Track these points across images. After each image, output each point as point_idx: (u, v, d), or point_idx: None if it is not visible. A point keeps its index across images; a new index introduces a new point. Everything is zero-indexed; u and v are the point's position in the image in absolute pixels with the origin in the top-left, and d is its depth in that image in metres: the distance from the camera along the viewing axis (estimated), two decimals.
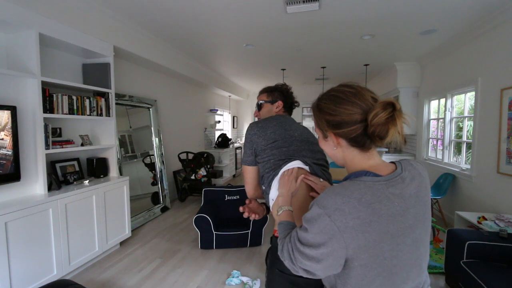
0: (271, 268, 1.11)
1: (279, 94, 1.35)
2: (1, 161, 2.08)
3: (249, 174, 1.26)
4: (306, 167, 1.10)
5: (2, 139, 2.07)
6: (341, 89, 0.74)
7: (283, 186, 1.00)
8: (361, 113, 0.69)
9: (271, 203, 1.12)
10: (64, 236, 2.35)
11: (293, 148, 1.14)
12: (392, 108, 0.66)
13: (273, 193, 1.10)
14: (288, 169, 1.06)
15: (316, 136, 1.00)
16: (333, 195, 0.67)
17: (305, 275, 0.72)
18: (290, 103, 1.36)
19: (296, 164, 1.08)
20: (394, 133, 0.66)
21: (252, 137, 1.19)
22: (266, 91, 1.38)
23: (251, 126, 1.21)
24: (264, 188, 1.18)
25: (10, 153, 2.10)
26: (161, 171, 4.53)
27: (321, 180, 1.09)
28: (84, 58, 3.03)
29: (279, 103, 1.33)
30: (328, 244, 0.65)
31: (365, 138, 0.71)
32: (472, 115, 3.49)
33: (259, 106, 1.38)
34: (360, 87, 0.73)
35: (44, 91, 2.32)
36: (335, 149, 0.77)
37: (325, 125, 0.75)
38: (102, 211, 2.77)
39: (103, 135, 3.14)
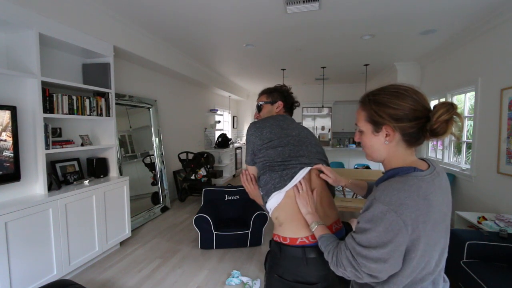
0: (270, 273, 1.10)
1: (279, 95, 1.33)
2: (5, 164, 2.09)
3: (251, 173, 1.26)
4: (307, 169, 1.09)
5: (5, 140, 2.07)
6: (400, 86, 0.78)
7: (304, 206, 1.01)
8: (421, 110, 0.74)
9: (270, 211, 1.12)
10: (64, 236, 2.35)
11: (289, 148, 1.11)
12: (454, 110, 0.71)
13: (271, 204, 1.09)
14: (299, 185, 1.06)
15: (316, 135, 1.00)
16: (395, 191, 0.70)
17: (368, 280, 0.74)
18: (290, 103, 1.34)
19: (299, 176, 1.07)
20: (451, 131, 0.72)
21: (249, 138, 1.19)
22: (266, 92, 1.36)
23: (250, 126, 1.21)
24: (261, 193, 1.16)
25: (11, 154, 2.10)
26: (161, 171, 4.53)
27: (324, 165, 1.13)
28: (84, 58, 3.03)
29: (279, 104, 1.32)
30: (395, 240, 0.68)
31: (420, 134, 0.76)
32: (472, 115, 3.49)
33: (259, 108, 1.36)
34: (416, 87, 0.78)
35: (44, 91, 2.32)
36: (386, 143, 0.79)
37: (385, 118, 0.76)
38: (102, 211, 2.77)
39: (103, 135, 3.14)
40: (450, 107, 0.71)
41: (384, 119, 0.77)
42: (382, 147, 0.81)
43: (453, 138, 0.72)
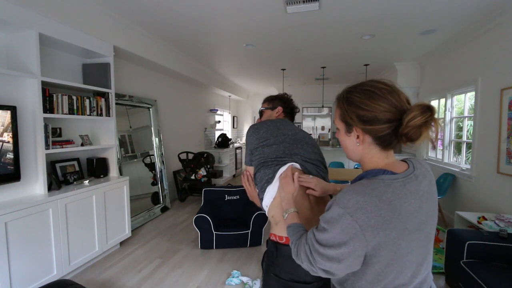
0: (266, 272, 1.11)
1: (279, 101, 1.40)
2: (9, 167, 2.09)
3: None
4: (297, 165, 1.10)
5: (9, 142, 2.08)
6: (376, 84, 0.72)
7: (283, 189, 0.99)
8: (395, 112, 0.68)
9: (266, 209, 1.13)
10: (64, 236, 2.35)
11: (284, 146, 1.14)
12: (430, 113, 0.65)
13: (267, 200, 1.10)
14: (283, 172, 1.06)
15: (314, 136, 1.00)
16: (354, 194, 0.66)
17: (324, 275, 0.73)
18: (290, 108, 1.40)
19: (287, 165, 1.09)
20: (426, 137, 0.66)
21: (248, 139, 1.24)
22: (267, 100, 1.44)
23: (249, 128, 1.27)
24: (257, 191, 1.17)
25: (11, 154, 2.10)
26: (161, 171, 4.53)
27: (311, 176, 1.08)
28: (84, 58, 3.03)
29: (279, 109, 1.38)
30: (349, 243, 0.65)
31: (393, 138, 0.70)
32: (472, 115, 3.49)
33: (261, 113, 1.44)
34: (395, 86, 0.72)
35: (44, 91, 2.32)
36: (357, 145, 0.75)
37: (354, 119, 0.72)
38: (102, 211, 2.77)
39: (103, 135, 3.14)
40: (425, 110, 0.65)
41: (353, 120, 0.72)
42: (356, 148, 0.76)
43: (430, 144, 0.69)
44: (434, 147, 0.76)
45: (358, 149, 0.76)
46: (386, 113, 0.68)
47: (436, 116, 0.66)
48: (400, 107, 0.68)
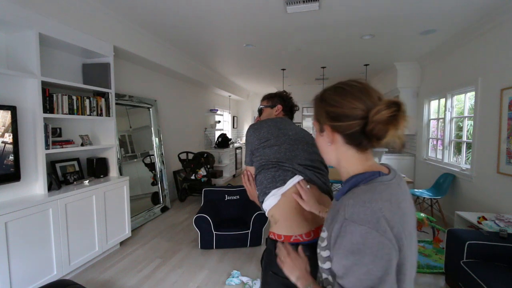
0: (265, 269, 1.12)
1: (278, 99, 1.39)
2: (11, 170, 2.09)
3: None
4: (298, 178, 1.09)
5: (10, 142, 2.08)
6: (348, 82, 0.69)
7: (292, 272, 0.83)
8: (363, 109, 0.64)
9: (266, 211, 1.14)
10: (64, 236, 2.35)
11: (285, 147, 1.14)
12: (396, 108, 0.60)
13: (266, 206, 1.12)
14: (285, 250, 0.90)
15: (314, 135, 1.00)
16: (367, 204, 0.58)
17: None
18: (289, 106, 1.40)
19: (291, 183, 1.07)
20: (393, 135, 0.61)
21: (248, 138, 1.24)
22: (267, 97, 1.44)
23: (249, 127, 1.26)
24: (257, 193, 1.18)
25: (11, 154, 2.10)
26: (161, 171, 4.53)
27: (308, 186, 1.08)
28: (84, 58, 3.03)
29: (278, 107, 1.38)
30: (391, 268, 0.54)
31: (362, 137, 0.65)
32: (472, 115, 3.49)
33: (260, 112, 1.44)
34: (369, 84, 0.68)
35: (44, 91, 2.32)
36: (329, 145, 0.71)
37: (323, 116, 0.69)
38: (102, 211, 2.77)
39: (103, 135, 3.14)
40: (391, 105, 0.60)
41: (323, 117, 0.69)
42: (329, 149, 0.72)
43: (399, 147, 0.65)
44: (403, 147, 0.69)
45: (331, 150, 0.71)
46: (354, 110, 0.64)
47: (404, 112, 0.61)
48: (370, 105, 0.64)
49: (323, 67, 5.70)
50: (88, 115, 2.77)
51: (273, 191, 1.09)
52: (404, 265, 0.58)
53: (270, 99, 1.41)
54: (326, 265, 0.66)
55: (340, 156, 0.70)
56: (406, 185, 0.68)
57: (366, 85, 0.68)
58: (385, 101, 0.62)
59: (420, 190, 4.19)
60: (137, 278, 2.51)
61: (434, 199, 3.99)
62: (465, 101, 3.82)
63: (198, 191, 5.13)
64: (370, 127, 0.62)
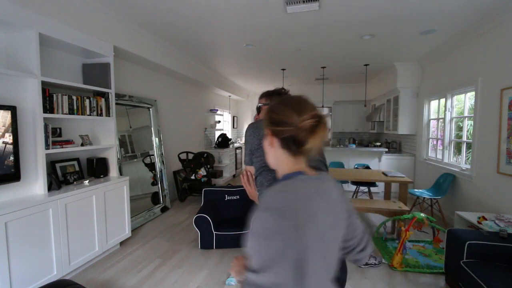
0: None
1: (277, 96, 1.39)
2: (11, 170, 2.09)
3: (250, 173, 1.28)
4: None
5: (11, 143, 2.08)
6: (292, 96, 0.81)
7: (234, 269, 0.90)
8: (296, 118, 0.73)
9: None
10: (64, 236, 2.35)
11: None
12: (318, 119, 0.72)
13: None
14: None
15: None
16: (275, 194, 0.70)
17: None
18: None
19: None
20: (313, 142, 0.72)
21: (247, 138, 1.26)
22: (265, 95, 1.44)
23: (248, 127, 1.28)
24: (257, 194, 1.18)
25: (11, 154, 2.10)
26: (161, 171, 4.53)
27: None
28: (84, 58, 3.03)
29: None
30: (286, 252, 0.63)
31: (292, 142, 0.74)
32: (472, 115, 3.49)
33: (258, 110, 1.44)
34: (307, 99, 0.79)
35: (44, 91, 2.32)
36: (270, 148, 0.80)
37: (268, 121, 0.79)
38: (102, 211, 2.77)
39: (103, 135, 3.14)
40: (314, 116, 0.72)
41: (267, 122, 0.79)
42: (270, 152, 0.81)
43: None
44: (319, 155, 0.88)
45: (271, 153, 0.81)
46: (290, 117, 0.73)
47: (324, 124, 0.73)
48: (302, 115, 0.73)
49: (323, 67, 5.70)
50: (88, 115, 2.77)
51: None
52: (307, 255, 0.64)
53: (269, 96, 1.41)
54: None
55: (277, 159, 0.80)
56: (335, 186, 0.78)
57: (304, 99, 0.79)
58: (312, 113, 0.73)
59: (420, 190, 4.19)
60: (137, 278, 2.51)
61: (434, 199, 3.99)
62: (465, 101, 3.82)
63: (198, 191, 5.13)
64: (297, 133, 0.72)
